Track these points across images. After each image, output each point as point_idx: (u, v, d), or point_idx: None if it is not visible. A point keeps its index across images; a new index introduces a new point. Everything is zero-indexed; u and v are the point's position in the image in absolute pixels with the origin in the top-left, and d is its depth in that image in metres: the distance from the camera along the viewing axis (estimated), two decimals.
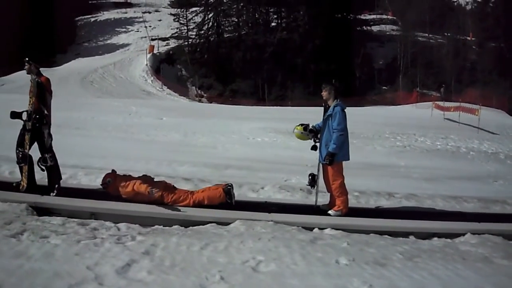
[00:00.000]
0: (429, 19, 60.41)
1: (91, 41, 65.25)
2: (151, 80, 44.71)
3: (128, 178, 7.99)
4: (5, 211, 7.15)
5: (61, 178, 8.37)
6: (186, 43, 55.50)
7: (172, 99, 39.62)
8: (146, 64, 47.68)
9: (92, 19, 72.24)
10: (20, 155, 8.04)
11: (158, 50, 53.79)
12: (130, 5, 78.18)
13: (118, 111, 21.02)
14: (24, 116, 7.93)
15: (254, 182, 9.71)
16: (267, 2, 54.45)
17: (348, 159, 7.93)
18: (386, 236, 6.98)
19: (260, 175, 10.89)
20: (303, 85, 48.23)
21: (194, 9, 56.20)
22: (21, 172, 8.19)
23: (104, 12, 74.88)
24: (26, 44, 51.18)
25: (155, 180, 8.11)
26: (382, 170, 12.80)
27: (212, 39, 55.64)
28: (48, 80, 8.08)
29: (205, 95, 48.38)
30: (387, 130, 19.57)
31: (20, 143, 8.02)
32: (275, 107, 32.66)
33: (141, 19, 65.86)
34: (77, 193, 7.99)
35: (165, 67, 48.52)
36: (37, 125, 7.89)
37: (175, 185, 8.32)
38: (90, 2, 77.98)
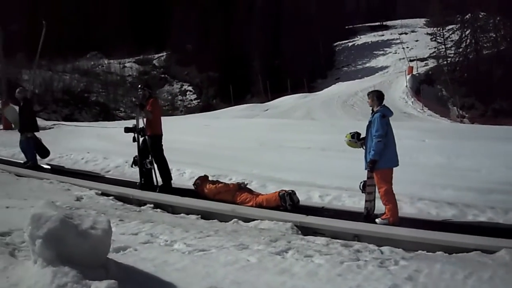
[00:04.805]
0: None
1: (350, 65, 68.25)
2: (412, 102, 44.56)
3: (213, 181, 10.13)
4: (272, 229, 7.88)
5: (170, 179, 10.82)
6: (444, 62, 54.52)
7: (433, 120, 38.73)
8: (406, 86, 47.73)
9: (350, 44, 75.51)
10: (132, 160, 10.81)
11: (417, 71, 53.68)
12: (386, 28, 79.94)
13: None
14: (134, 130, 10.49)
15: None
16: None
17: (395, 165, 8.09)
18: None
19: None
20: None
21: (450, 27, 55.14)
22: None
23: (361, 36, 77.75)
24: (287, 73, 55.82)
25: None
26: None
27: (470, 56, 53.97)
28: (154, 101, 10.83)
29: (466, 115, 46.57)
30: None
31: (137, 151, 10.59)
32: None
33: (398, 41, 66.95)
34: (340, 215, 8.60)
35: (425, 88, 47.96)
36: (139, 136, 10.43)
37: (250, 188, 9.94)
38: (346, 27, 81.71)
